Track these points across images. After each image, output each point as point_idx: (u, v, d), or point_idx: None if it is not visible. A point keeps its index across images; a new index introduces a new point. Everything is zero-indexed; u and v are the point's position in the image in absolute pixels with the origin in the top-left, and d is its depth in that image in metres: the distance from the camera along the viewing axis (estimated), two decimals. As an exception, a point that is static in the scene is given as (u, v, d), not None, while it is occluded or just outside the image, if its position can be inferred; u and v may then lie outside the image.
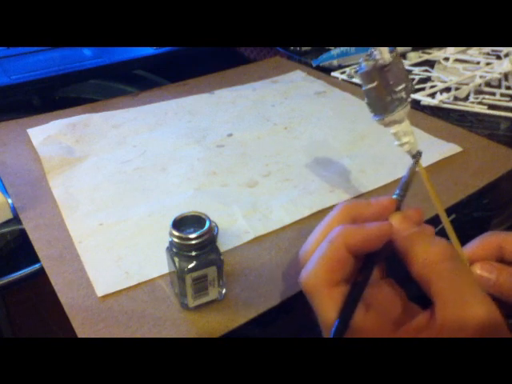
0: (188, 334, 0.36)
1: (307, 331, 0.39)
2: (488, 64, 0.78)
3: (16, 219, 0.47)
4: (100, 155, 0.58)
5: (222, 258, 0.37)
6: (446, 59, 0.81)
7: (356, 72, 0.34)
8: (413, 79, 0.76)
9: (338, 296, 0.27)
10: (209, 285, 0.37)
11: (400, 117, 0.33)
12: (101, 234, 0.45)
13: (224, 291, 0.38)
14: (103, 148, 0.60)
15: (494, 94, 0.71)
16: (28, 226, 0.46)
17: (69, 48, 0.84)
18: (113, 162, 0.57)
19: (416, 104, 0.68)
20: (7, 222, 0.48)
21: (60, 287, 0.39)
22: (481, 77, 0.73)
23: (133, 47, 0.84)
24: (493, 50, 0.83)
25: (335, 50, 0.82)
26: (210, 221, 0.36)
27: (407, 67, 0.80)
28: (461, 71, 0.77)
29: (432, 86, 0.73)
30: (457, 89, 0.72)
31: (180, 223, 0.36)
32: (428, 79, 0.76)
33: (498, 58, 0.80)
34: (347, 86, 0.76)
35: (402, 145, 0.34)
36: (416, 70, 0.79)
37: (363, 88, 0.33)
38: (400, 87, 0.32)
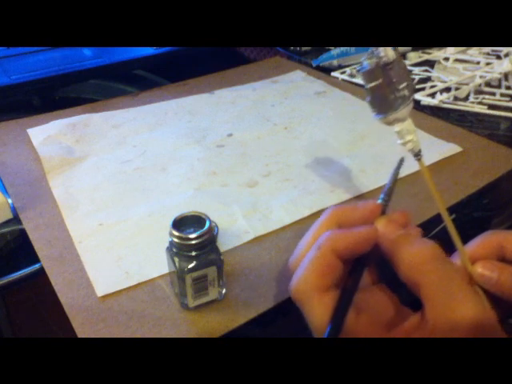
0: (188, 334, 0.36)
1: (307, 331, 0.39)
2: (488, 64, 0.78)
3: (16, 219, 0.47)
4: (100, 155, 0.58)
5: (222, 258, 0.37)
6: (446, 59, 0.81)
7: (358, 71, 0.34)
8: (413, 79, 0.76)
9: (329, 301, 0.28)
10: (209, 285, 0.37)
11: (403, 115, 0.33)
12: (101, 233, 0.45)
13: (224, 291, 0.38)
14: (103, 148, 0.60)
15: (494, 94, 0.71)
16: (28, 226, 0.46)
17: (69, 48, 0.84)
18: (113, 161, 0.57)
19: (416, 104, 0.68)
20: (7, 222, 0.48)
21: (60, 287, 0.39)
22: (481, 77, 0.73)
23: (133, 47, 0.84)
24: (493, 50, 0.83)
25: (335, 50, 0.82)
26: (209, 221, 0.36)
27: (407, 67, 0.80)
28: (461, 71, 0.77)
29: (432, 86, 0.73)
30: (457, 89, 0.72)
31: (180, 223, 0.36)
32: (428, 79, 0.76)
33: (498, 57, 0.80)
34: (347, 85, 0.76)
35: (405, 143, 0.34)
36: (416, 69, 0.79)
37: (366, 86, 0.33)
38: (402, 85, 0.32)
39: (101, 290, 0.39)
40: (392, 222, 0.30)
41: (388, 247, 0.29)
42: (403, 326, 0.28)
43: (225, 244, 0.44)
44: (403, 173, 0.51)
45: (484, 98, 0.69)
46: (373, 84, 0.33)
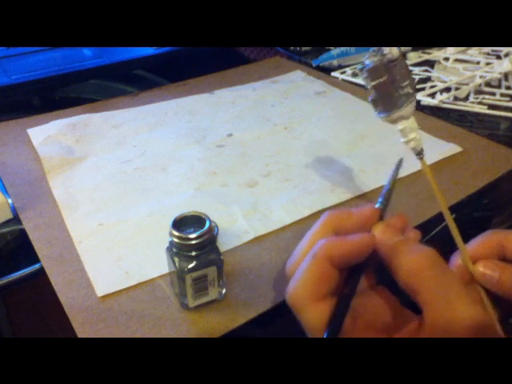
0: (188, 334, 0.36)
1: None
2: (488, 64, 0.78)
3: (16, 219, 0.47)
4: (100, 155, 0.58)
5: (222, 258, 0.37)
6: (446, 59, 0.81)
7: (362, 69, 0.34)
8: (413, 79, 0.75)
9: (325, 309, 0.27)
10: (209, 285, 0.37)
11: (407, 112, 0.33)
12: (101, 233, 0.45)
13: (224, 291, 0.38)
14: (103, 148, 0.60)
15: (494, 94, 0.71)
16: (28, 225, 0.46)
17: (69, 48, 0.84)
18: (113, 161, 0.57)
19: (416, 104, 0.68)
20: (7, 222, 0.48)
21: (60, 287, 0.39)
22: (481, 77, 0.73)
23: (133, 47, 0.84)
24: (493, 50, 0.83)
25: (335, 50, 0.82)
26: (209, 221, 0.36)
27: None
28: (461, 71, 0.77)
29: (432, 86, 0.73)
30: (457, 89, 0.72)
31: (180, 223, 0.36)
32: (428, 79, 0.76)
33: (498, 57, 0.80)
34: (347, 85, 0.76)
35: (408, 141, 0.34)
36: (416, 70, 0.79)
37: (371, 84, 0.33)
38: (406, 83, 0.32)
39: (101, 290, 0.39)
40: (390, 228, 0.29)
41: (386, 254, 0.28)
42: (402, 330, 0.28)
43: (225, 244, 0.44)
44: (403, 173, 0.51)
45: (484, 98, 0.69)
46: (377, 81, 0.33)
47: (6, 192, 0.51)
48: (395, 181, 0.33)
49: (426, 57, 0.84)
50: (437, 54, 0.84)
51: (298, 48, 0.90)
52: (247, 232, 0.45)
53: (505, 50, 0.82)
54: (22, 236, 0.46)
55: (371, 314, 0.29)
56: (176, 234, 0.35)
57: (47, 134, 0.61)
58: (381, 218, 0.31)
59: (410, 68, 0.80)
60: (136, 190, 0.52)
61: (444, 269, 0.27)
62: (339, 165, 0.55)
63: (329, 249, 0.28)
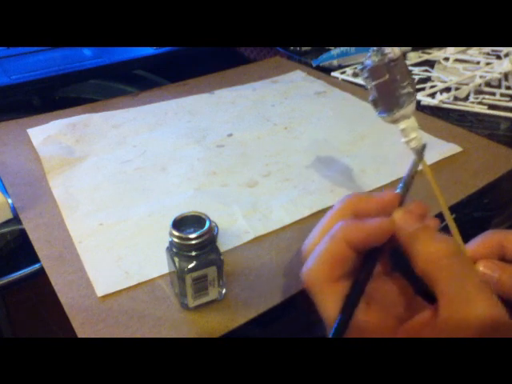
0: (188, 334, 0.36)
1: (307, 331, 0.39)
2: (488, 64, 0.78)
3: (16, 219, 0.47)
4: (100, 155, 0.58)
5: (222, 258, 0.37)
6: (446, 59, 0.81)
7: (363, 69, 0.34)
8: (413, 78, 0.76)
9: (340, 291, 0.27)
10: (209, 285, 0.37)
11: (409, 111, 0.33)
12: (101, 233, 0.45)
13: (224, 291, 0.38)
14: (103, 148, 0.60)
15: (494, 94, 0.71)
16: (28, 226, 0.46)
17: (69, 48, 0.84)
18: (113, 161, 0.57)
19: (416, 104, 0.68)
20: (7, 222, 0.48)
21: (60, 287, 0.39)
22: (481, 77, 0.73)
23: (133, 47, 0.84)
24: (493, 50, 0.83)
25: (335, 50, 0.82)
26: (210, 221, 0.36)
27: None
28: (461, 71, 0.77)
29: (432, 86, 0.73)
30: (457, 89, 0.72)
31: (180, 223, 0.36)
32: (428, 79, 0.76)
33: (498, 57, 0.80)
34: (347, 85, 0.76)
35: (409, 141, 0.34)
36: (416, 70, 0.79)
37: (372, 83, 0.33)
38: (406, 82, 0.32)
39: (101, 290, 0.39)
40: (410, 214, 0.29)
41: (405, 240, 0.28)
42: (414, 320, 0.27)
43: (225, 244, 0.44)
44: (402, 173, 0.51)
45: (484, 98, 0.69)
46: (378, 81, 0.33)
47: (5, 192, 0.51)
48: (417, 167, 0.33)
49: (425, 57, 0.84)
50: (437, 53, 0.84)
51: (298, 48, 0.90)
52: (247, 232, 0.45)
53: (505, 50, 0.82)
54: (22, 236, 0.46)
55: (385, 300, 0.29)
56: (176, 234, 0.35)
57: (47, 134, 0.61)
58: (400, 203, 0.30)
59: (410, 68, 0.80)
60: (136, 190, 0.52)
61: (464, 260, 0.27)
62: (339, 165, 0.55)
63: (347, 231, 0.28)
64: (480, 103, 0.68)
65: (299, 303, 0.38)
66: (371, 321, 0.27)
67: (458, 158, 0.56)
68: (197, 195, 0.51)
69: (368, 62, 0.33)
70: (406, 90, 0.33)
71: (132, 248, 0.44)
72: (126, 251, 0.43)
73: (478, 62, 0.80)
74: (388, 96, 0.33)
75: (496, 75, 0.73)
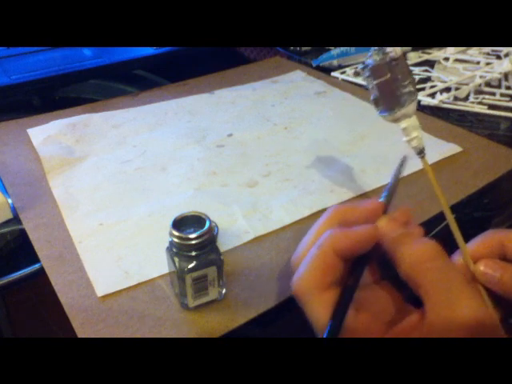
0: (188, 334, 0.36)
1: (307, 331, 0.39)
2: (488, 64, 0.78)
3: (16, 219, 0.47)
4: (100, 155, 0.58)
5: (222, 258, 0.37)
6: (446, 59, 0.81)
7: (364, 68, 0.34)
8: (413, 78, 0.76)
9: (329, 300, 0.28)
10: (209, 285, 0.37)
11: (410, 110, 0.33)
12: (101, 233, 0.45)
13: (224, 291, 0.38)
14: (103, 148, 0.60)
15: (494, 94, 0.71)
16: (28, 226, 0.46)
17: (69, 48, 0.84)
18: (113, 161, 0.57)
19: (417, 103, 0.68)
20: (7, 222, 0.48)
21: (60, 287, 0.39)
22: (481, 77, 0.73)
23: (133, 47, 0.84)
24: (493, 50, 0.83)
25: (335, 50, 0.82)
26: (210, 221, 0.36)
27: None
28: (461, 71, 0.77)
29: (432, 86, 0.73)
30: (457, 89, 0.72)
31: (180, 223, 0.36)
32: (428, 79, 0.76)
33: (498, 57, 0.80)
34: (347, 85, 0.76)
35: (410, 140, 0.34)
36: (416, 70, 0.79)
37: (373, 82, 0.33)
38: (407, 81, 0.32)
39: (101, 290, 0.39)
40: (393, 221, 0.30)
41: (389, 246, 0.29)
42: (402, 324, 0.28)
43: (225, 244, 0.44)
44: (403, 173, 0.51)
45: (484, 98, 0.69)
46: (380, 80, 0.33)
47: (5, 192, 0.51)
48: (399, 176, 0.33)
49: (426, 57, 0.84)
50: (437, 53, 0.84)
51: (298, 48, 0.90)
52: (247, 232, 0.45)
53: (505, 50, 0.82)
54: (22, 236, 0.46)
55: (374, 307, 0.29)
56: (176, 234, 0.35)
57: (47, 134, 0.61)
58: (385, 212, 0.31)
59: (410, 68, 0.80)
60: (136, 190, 0.52)
61: (447, 262, 0.27)
62: (339, 165, 0.55)
63: (334, 240, 0.28)
64: (480, 103, 0.68)
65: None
66: (360, 326, 0.28)
67: (458, 158, 0.56)
68: (197, 195, 0.51)
69: (369, 61, 0.33)
70: (407, 89, 0.33)
71: (132, 248, 0.44)
72: (125, 251, 0.43)
73: (478, 62, 0.80)
74: (389, 95, 0.33)
75: (496, 75, 0.73)
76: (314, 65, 0.83)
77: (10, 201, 0.49)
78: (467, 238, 0.31)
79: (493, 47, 0.83)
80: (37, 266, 0.43)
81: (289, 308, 0.39)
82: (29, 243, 0.44)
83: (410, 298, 0.29)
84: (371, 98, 0.34)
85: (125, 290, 0.39)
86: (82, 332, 0.36)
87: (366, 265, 0.30)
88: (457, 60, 0.81)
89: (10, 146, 0.60)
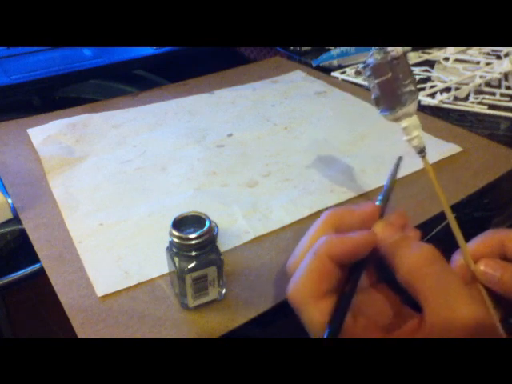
0: (188, 334, 0.36)
1: (307, 331, 0.39)
2: (488, 64, 0.78)
3: (16, 219, 0.47)
4: (100, 155, 0.58)
5: (222, 258, 0.37)
6: (446, 59, 0.81)
7: (365, 67, 0.34)
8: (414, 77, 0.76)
9: (326, 307, 0.27)
10: (209, 285, 0.37)
11: (411, 109, 0.33)
12: (101, 233, 0.45)
13: (224, 291, 0.38)
14: (103, 148, 0.60)
15: (494, 94, 0.71)
16: (28, 225, 0.46)
17: (69, 48, 0.84)
18: (113, 161, 0.57)
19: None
20: (7, 222, 0.48)
21: (60, 287, 0.39)
22: (481, 77, 0.73)
23: (133, 47, 0.84)
24: (493, 50, 0.83)
25: (335, 50, 0.82)
26: (209, 221, 0.36)
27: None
28: (461, 71, 0.77)
29: (432, 86, 0.73)
30: (457, 89, 0.72)
31: (180, 223, 0.36)
32: (428, 79, 0.76)
33: (498, 57, 0.80)
34: (347, 85, 0.76)
35: (411, 139, 0.34)
36: (416, 70, 0.79)
37: (374, 81, 0.33)
38: (408, 80, 0.33)
39: (101, 289, 0.39)
40: (390, 225, 0.29)
41: (386, 251, 0.28)
42: (402, 329, 0.27)
43: (225, 244, 0.44)
44: (402, 173, 0.51)
45: (484, 98, 0.69)
46: (381, 79, 0.33)
47: (5, 192, 0.51)
48: (395, 178, 0.34)
49: (426, 57, 0.84)
50: (437, 53, 0.84)
51: (298, 48, 0.90)
52: (247, 232, 0.45)
53: (505, 50, 0.82)
54: (22, 236, 0.46)
55: (372, 312, 0.29)
56: (176, 234, 0.35)
57: (47, 134, 0.61)
58: (381, 215, 0.31)
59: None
60: (136, 190, 0.52)
61: (444, 266, 0.27)
62: (339, 165, 0.55)
63: (330, 246, 0.28)
64: (480, 103, 0.68)
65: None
66: (359, 333, 0.27)
67: (458, 158, 0.56)
68: (197, 195, 0.51)
69: (370, 60, 0.33)
70: (408, 89, 0.33)
71: (132, 248, 0.44)
72: (125, 251, 0.43)
73: (478, 62, 0.80)
74: (390, 94, 0.33)
75: (496, 75, 0.73)
76: (314, 65, 0.83)
77: (10, 201, 0.49)
78: (467, 237, 0.31)
79: (493, 47, 0.83)
80: (37, 266, 0.43)
81: (289, 308, 0.39)
82: (29, 243, 0.44)
83: (408, 300, 0.29)
84: (372, 97, 0.34)
85: (125, 290, 0.39)
86: (81, 332, 0.36)
87: (363, 271, 0.30)
88: (457, 60, 0.81)
89: (9, 146, 0.60)
